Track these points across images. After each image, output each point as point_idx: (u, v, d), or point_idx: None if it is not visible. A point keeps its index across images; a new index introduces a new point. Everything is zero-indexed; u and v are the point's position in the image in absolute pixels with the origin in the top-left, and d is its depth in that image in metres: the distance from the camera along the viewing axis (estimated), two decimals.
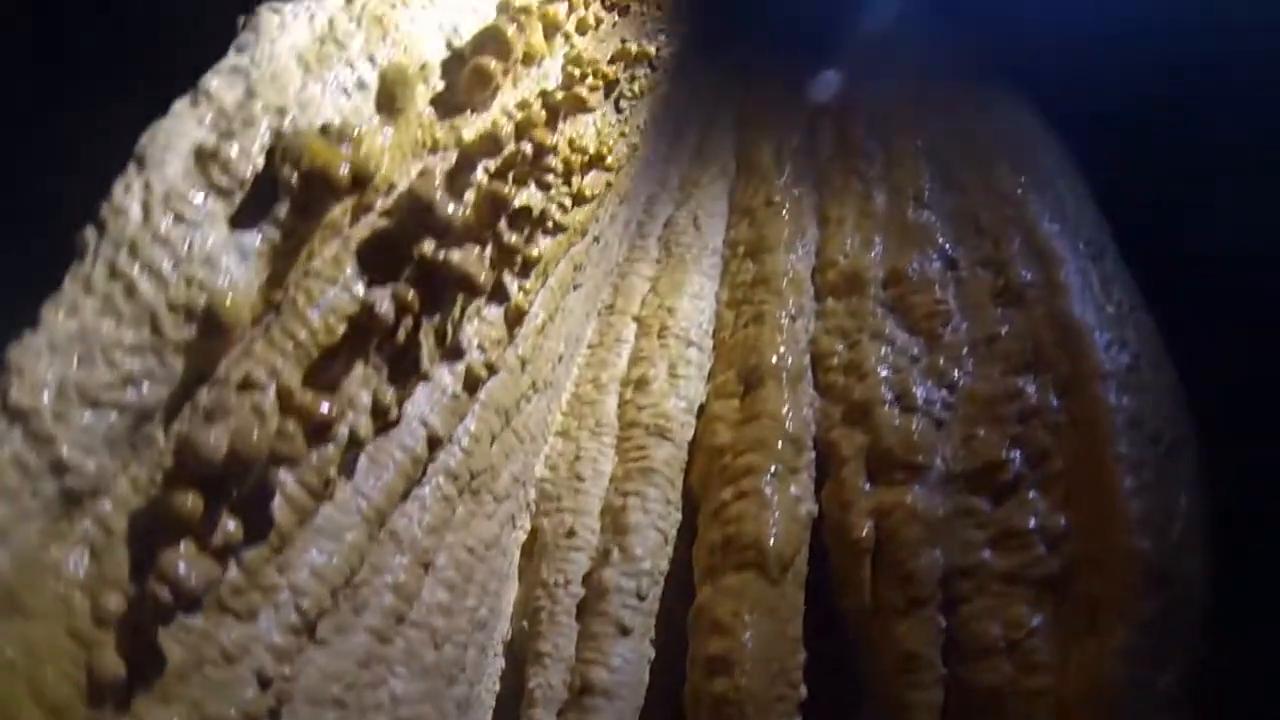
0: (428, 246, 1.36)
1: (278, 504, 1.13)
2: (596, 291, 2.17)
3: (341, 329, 1.23)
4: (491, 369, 1.69)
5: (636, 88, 2.35)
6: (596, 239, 2.17)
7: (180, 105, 1.12)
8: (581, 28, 1.99)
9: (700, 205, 2.42)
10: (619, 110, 2.19)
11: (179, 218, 1.02)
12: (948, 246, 2.08)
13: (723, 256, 2.28)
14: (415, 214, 1.34)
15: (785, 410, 1.82)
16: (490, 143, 1.52)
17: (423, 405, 1.47)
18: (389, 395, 1.36)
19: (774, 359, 1.90)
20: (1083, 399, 1.65)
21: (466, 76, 1.48)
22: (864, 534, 1.66)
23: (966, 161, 2.32)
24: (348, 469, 1.30)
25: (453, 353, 1.58)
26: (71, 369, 0.92)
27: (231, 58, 1.20)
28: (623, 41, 2.26)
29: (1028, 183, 2.17)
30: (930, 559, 1.60)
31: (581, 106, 1.86)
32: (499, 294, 1.70)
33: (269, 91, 1.17)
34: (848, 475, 1.75)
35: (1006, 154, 2.30)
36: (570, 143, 1.86)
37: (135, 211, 1.01)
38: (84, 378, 0.92)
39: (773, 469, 1.75)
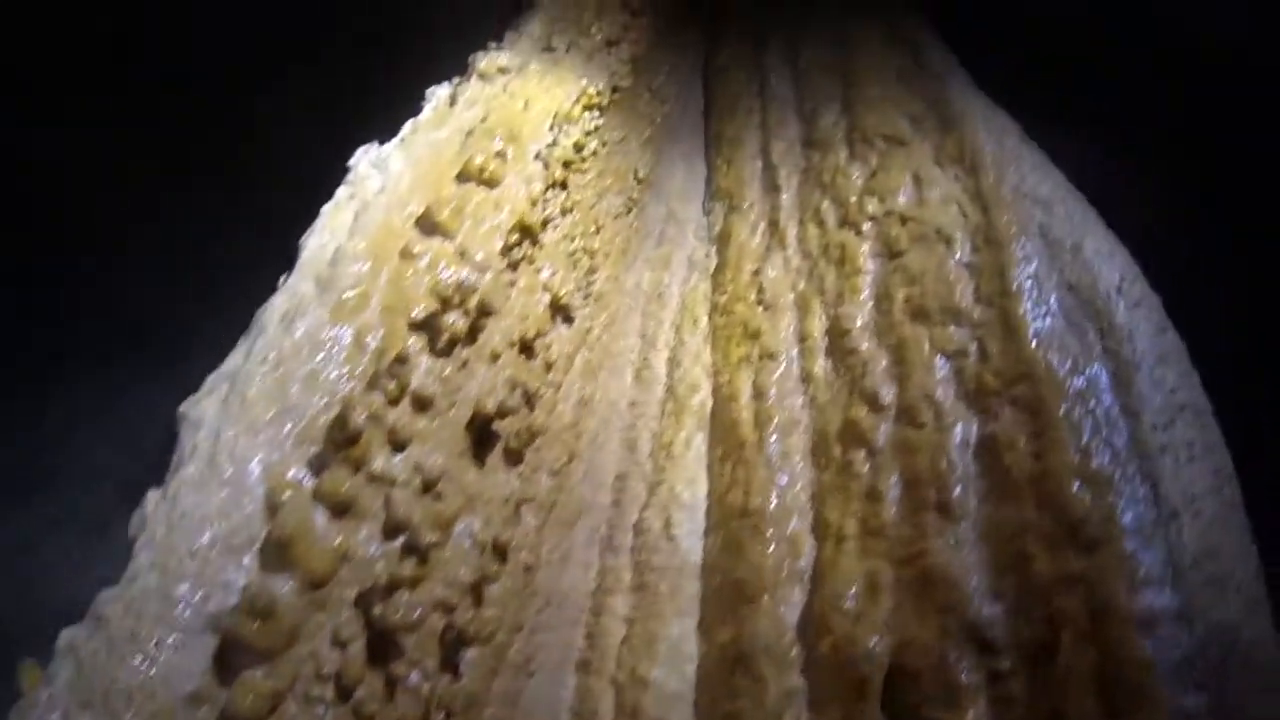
0: None
1: None
2: (565, 651, 1.84)
3: None
4: None
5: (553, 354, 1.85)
6: (546, 605, 1.83)
7: None
8: (422, 402, 1.58)
9: (673, 493, 1.92)
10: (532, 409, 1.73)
11: None
12: (983, 612, 1.47)
13: (699, 584, 1.81)
14: None
15: None
16: None
17: None
18: None
19: None
20: None
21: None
22: None
23: (1011, 402, 1.57)
24: None
25: None
26: None
27: None
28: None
29: (1101, 479, 1.44)
30: None
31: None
32: None
33: None
34: None
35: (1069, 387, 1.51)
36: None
37: None
38: None
39: None
